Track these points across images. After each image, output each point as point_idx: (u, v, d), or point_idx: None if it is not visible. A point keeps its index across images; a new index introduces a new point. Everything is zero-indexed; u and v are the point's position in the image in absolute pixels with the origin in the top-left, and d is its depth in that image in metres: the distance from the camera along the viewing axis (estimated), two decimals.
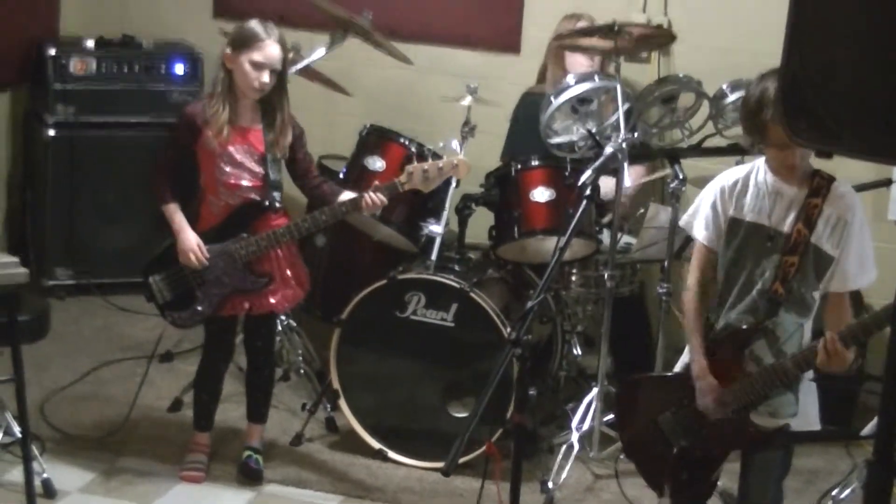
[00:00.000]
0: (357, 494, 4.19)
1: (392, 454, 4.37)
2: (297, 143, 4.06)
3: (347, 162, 4.74)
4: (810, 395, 3.31)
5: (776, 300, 3.20)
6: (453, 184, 4.42)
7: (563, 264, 4.71)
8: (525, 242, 4.61)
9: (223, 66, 3.94)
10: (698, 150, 4.46)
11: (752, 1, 5.19)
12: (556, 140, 4.52)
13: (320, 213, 3.98)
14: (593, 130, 4.38)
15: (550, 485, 4.20)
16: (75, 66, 5.62)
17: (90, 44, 5.72)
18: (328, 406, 4.59)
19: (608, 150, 3.87)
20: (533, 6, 5.61)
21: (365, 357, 4.42)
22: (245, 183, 3.98)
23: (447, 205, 4.48)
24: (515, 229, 4.48)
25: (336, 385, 4.41)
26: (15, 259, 3.74)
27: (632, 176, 4.79)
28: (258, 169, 3.98)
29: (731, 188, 3.29)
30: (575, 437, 4.34)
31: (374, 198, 3.96)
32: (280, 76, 3.95)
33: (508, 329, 4.11)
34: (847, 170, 3.22)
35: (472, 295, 4.21)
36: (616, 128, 4.29)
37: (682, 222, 3.52)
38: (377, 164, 4.56)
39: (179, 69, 5.77)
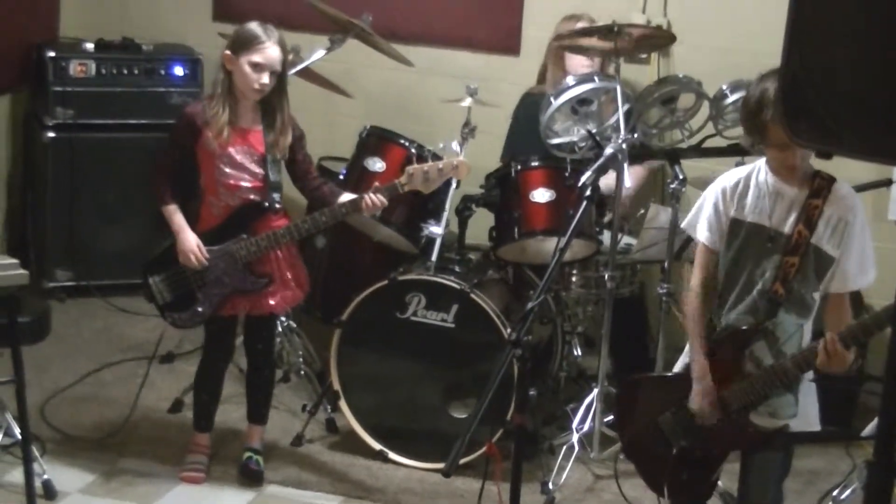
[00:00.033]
0: (357, 495, 4.19)
1: (392, 455, 4.37)
2: (298, 145, 4.06)
3: (347, 163, 4.74)
4: (810, 395, 3.31)
5: (776, 301, 3.20)
6: (453, 185, 4.42)
7: (564, 265, 4.71)
8: (525, 243, 4.61)
9: (223, 68, 3.94)
10: (698, 151, 4.46)
11: (752, 1, 5.19)
12: (556, 141, 4.52)
13: (320, 214, 3.99)
14: (593, 131, 4.38)
15: (551, 486, 4.20)
16: (75, 68, 5.62)
17: (90, 46, 5.72)
18: (328, 407, 4.59)
19: (608, 150, 3.86)
20: (533, 7, 5.61)
21: (365, 358, 4.42)
22: (245, 184, 3.99)
23: (447, 206, 4.48)
24: (516, 230, 4.48)
25: (336, 386, 4.41)
26: (15, 261, 3.74)
27: (631, 176, 4.78)
28: (258, 170, 3.98)
29: (732, 189, 3.29)
30: (575, 437, 4.34)
31: (374, 199, 3.96)
32: (280, 77, 3.96)
33: (509, 330, 4.11)
34: (847, 170, 3.21)
35: (473, 296, 4.21)
36: (616, 128, 4.29)
37: (683, 224, 3.52)
38: (377, 165, 4.56)
39: (179, 71, 5.77)
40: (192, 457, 4.23)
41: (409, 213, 4.53)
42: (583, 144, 4.46)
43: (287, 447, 4.44)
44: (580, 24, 4.94)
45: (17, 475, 3.97)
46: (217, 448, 4.34)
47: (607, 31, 4.36)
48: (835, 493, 4.10)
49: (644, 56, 5.37)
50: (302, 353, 4.91)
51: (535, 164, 4.55)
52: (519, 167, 4.52)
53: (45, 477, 3.97)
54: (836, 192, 3.18)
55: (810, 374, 3.24)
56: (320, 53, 4.86)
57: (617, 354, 4.66)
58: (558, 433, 4.56)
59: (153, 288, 4.10)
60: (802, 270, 3.18)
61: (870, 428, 3.86)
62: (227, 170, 3.97)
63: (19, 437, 3.90)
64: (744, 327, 3.25)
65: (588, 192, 3.45)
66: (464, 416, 4.28)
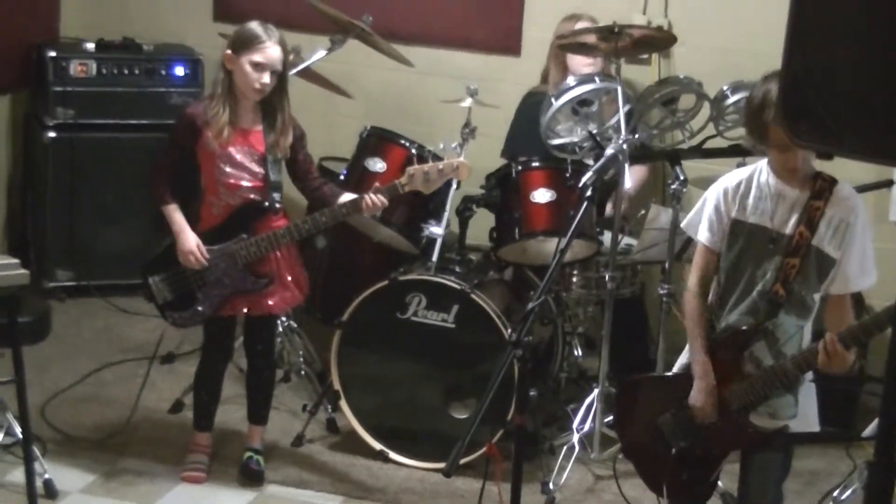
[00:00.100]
0: (358, 495, 4.19)
1: (393, 455, 4.37)
2: (298, 145, 4.06)
3: (348, 163, 4.74)
4: (810, 396, 3.31)
5: (777, 302, 3.20)
6: (454, 185, 4.43)
7: (564, 266, 4.71)
8: (526, 244, 4.61)
9: (223, 68, 3.94)
10: (699, 152, 4.46)
11: (753, 2, 5.20)
12: (557, 141, 4.52)
13: (320, 214, 3.99)
14: (594, 132, 4.38)
15: (551, 486, 4.20)
16: (75, 68, 5.62)
17: (90, 46, 5.72)
18: (329, 407, 4.59)
19: (609, 151, 3.86)
20: (533, 8, 5.61)
21: (366, 358, 4.42)
22: (245, 183, 3.99)
23: (448, 206, 4.48)
24: (516, 231, 4.48)
25: (337, 386, 4.41)
26: (15, 261, 3.74)
27: (633, 176, 4.79)
28: (258, 169, 3.99)
29: (733, 190, 3.29)
30: (576, 438, 4.34)
31: (375, 199, 3.96)
32: (281, 77, 3.96)
33: (509, 330, 4.11)
34: (848, 171, 3.21)
35: (473, 296, 4.21)
36: (617, 129, 4.29)
37: (683, 224, 3.52)
38: (378, 165, 4.57)
39: (179, 72, 5.77)
40: (193, 456, 4.23)
41: (409, 213, 4.53)
42: (584, 145, 4.46)
43: (288, 447, 4.44)
44: (580, 24, 4.94)
45: (18, 475, 3.97)
46: (217, 448, 4.34)
47: (608, 32, 4.36)
48: (835, 493, 4.10)
49: (645, 57, 5.37)
50: (302, 354, 4.91)
51: (535, 164, 4.55)
52: (519, 168, 4.52)
53: (46, 476, 3.98)
54: (838, 193, 3.18)
55: (810, 375, 3.24)
56: (321, 54, 4.86)
57: (617, 355, 4.65)
58: (559, 433, 4.56)
59: (153, 288, 4.10)
60: (803, 272, 3.18)
61: (870, 428, 3.87)
62: (228, 169, 3.97)
63: (20, 436, 3.90)
64: (744, 328, 3.25)
65: (589, 193, 3.45)
66: (464, 416, 4.28)
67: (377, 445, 4.39)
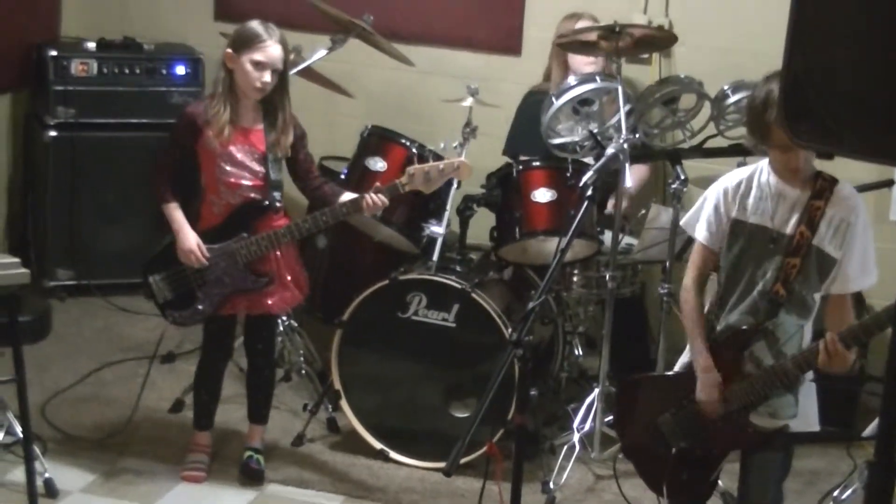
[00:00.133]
0: (358, 495, 4.19)
1: (393, 454, 4.37)
2: (299, 144, 4.06)
3: (349, 163, 4.75)
4: (810, 396, 3.31)
5: (777, 301, 3.20)
6: (455, 185, 4.43)
7: (565, 265, 4.71)
8: (526, 243, 4.61)
9: (224, 67, 3.94)
10: (700, 151, 4.46)
11: (754, 2, 5.20)
12: (557, 141, 4.52)
13: (321, 213, 3.99)
14: (595, 131, 4.38)
15: (552, 485, 4.20)
16: (76, 67, 5.62)
17: (91, 46, 5.73)
18: (329, 406, 4.59)
19: (609, 150, 3.86)
20: (534, 7, 5.61)
21: (366, 358, 4.42)
22: (246, 182, 3.99)
23: (448, 206, 4.48)
24: (517, 230, 4.48)
25: (337, 385, 4.41)
26: (16, 260, 3.74)
27: (634, 175, 4.79)
28: (259, 168, 3.99)
29: (734, 190, 3.30)
30: (576, 437, 4.34)
31: (375, 199, 3.96)
32: (281, 76, 3.96)
33: (510, 330, 4.11)
34: (848, 171, 3.22)
35: (474, 296, 4.21)
36: (617, 129, 4.29)
37: (682, 222, 3.53)
38: (378, 164, 4.57)
39: (180, 71, 5.77)
40: (193, 456, 4.23)
41: (410, 212, 4.53)
42: (584, 144, 4.46)
43: (288, 447, 4.44)
44: (581, 23, 4.95)
45: (18, 474, 3.97)
46: (218, 448, 4.35)
47: (609, 32, 4.36)
48: (835, 493, 4.10)
49: (645, 56, 5.37)
50: (303, 353, 4.91)
51: (536, 164, 4.55)
52: (520, 167, 4.53)
53: (47, 476, 3.98)
54: (839, 193, 3.18)
55: (810, 375, 3.24)
56: (322, 53, 4.86)
57: (618, 355, 4.65)
58: (559, 433, 4.56)
59: (153, 287, 4.11)
60: (804, 271, 3.18)
61: (870, 428, 3.87)
62: (228, 168, 3.97)
63: (21, 435, 3.90)
64: (744, 327, 3.25)
65: (589, 192, 3.45)
66: (465, 415, 4.28)
67: (378, 445, 4.39)
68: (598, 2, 5.20)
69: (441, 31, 5.72)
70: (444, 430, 4.27)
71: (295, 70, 4.61)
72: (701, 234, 3.37)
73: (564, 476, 4.25)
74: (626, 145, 3.98)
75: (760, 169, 3.28)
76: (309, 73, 4.95)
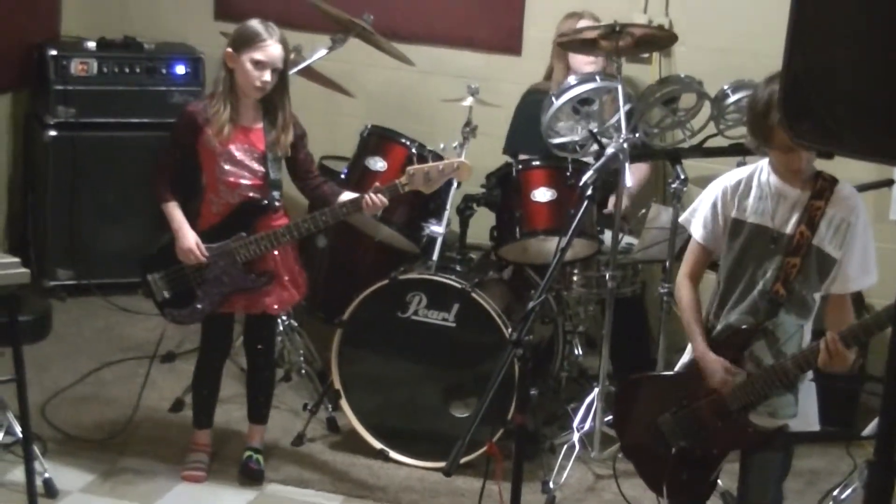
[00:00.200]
0: (358, 494, 4.19)
1: (393, 454, 4.37)
2: (299, 144, 4.07)
3: (349, 162, 4.75)
4: (810, 395, 3.31)
5: (777, 301, 3.20)
6: (454, 184, 4.43)
7: (565, 265, 4.71)
8: (527, 243, 4.61)
9: (224, 66, 3.95)
10: (700, 151, 4.46)
11: (754, 2, 5.19)
12: (557, 140, 4.52)
13: (321, 213, 3.99)
14: (595, 131, 4.38)
15: (551, 485, 4.20)
16: (76, 67, 5.62)
17: (91, 45, 5.73)
18: (329, 406, 4.59)
19: (609, 150, 3.87)
20: (534, 7, 5.61)
21: (366, 357, 4.42)
22: (245, 181, 3.99)
23: (448, 205, 4.48)
24: (517, 230, 4.48)
25: (337, 385, 4.41)
26: (16, 260, 3.73)
27: (634, 175, 4.80)
28: (258, 167, 3.99)
29: (733, 189, 3.30)
30: (576, 437, 4.35)
31: (375, 198, 3.95)
32: (281, 75, 3.96)
33: (510, 329, 4.11)
34: (848, 170, 3.22)
35: (474, 295, 4.21)
36: (617, 128, 4.29)
37: (681, 218, 3.54)
38: (378, 164, 4.57)
39: (180, 70, 5.78)
40: (193, 455, 4.23)
41: (410, 212, 4.54)
42: (584, 144, 4.46)
43: (288, 446, 4.44)
44: (582, 22, 4.95)
45: (18, 474, 3.97)
46: (218, 448, 4.35)
47: (609, 31, 4.36)
48: (835, 492, 4.10)
49: (646, 56, 5.37)
50: (303, 353, 4.91)
51: (536, 163, 4.55)
52: (520, 167, 4.53)
53: (46, 475, 3.98)
54: (839, 192, 3.18)
55: (810, 374, 3.24)
56: (322, 53, 4.86)
57: (618, 354, 4.66)
58: (559, 433, 4.56)
59: (152, 285, 4.11)
60: (804, 271, 3.18)
61: (870, 428, 3.87)
62: (228, 167, 3.97)
63: (20, 435, 3.90)
64: (744, 327, 3.25)
65: (589, 192, 3.45)
66: (465, 415, 4.28)
67: (377, 444, 4.39)
68: (598, 1, 5.20)
69: (441, 31, 5.72)
70: (443, 429, 4.27)
71: (295, 69, 4.62)
72: (697, 231, 3.38)
73: (564, 475, 4.25)
74: (626, 145, 3.98)
75: (760, 168, 3.27)
76: (309, 73, 4.95)
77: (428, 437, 4.35)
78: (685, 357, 3.46)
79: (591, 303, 4.95)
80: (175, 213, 4.01)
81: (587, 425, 4.38)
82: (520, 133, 5.10)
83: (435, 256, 4.40)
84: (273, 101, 3.98)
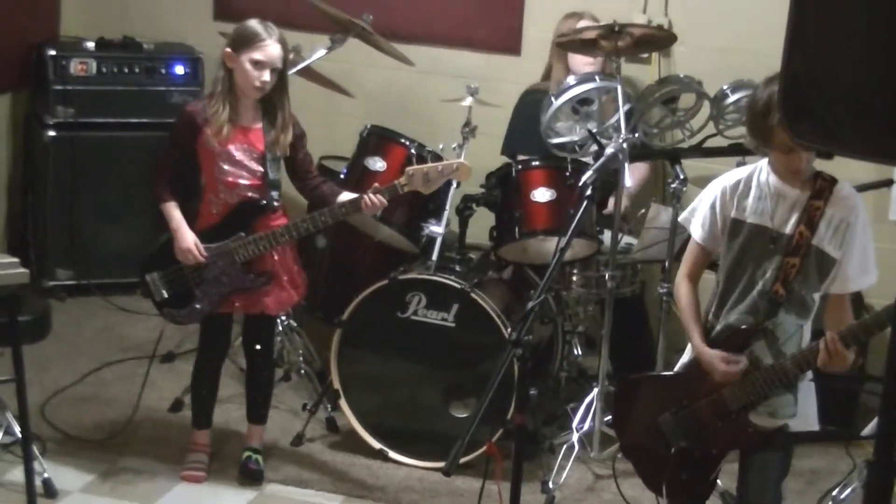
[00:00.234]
0: (358, 494, 4.19)
1: (393, 454, 4.37)
2: (298, 144, 4.07)
3: (348, 163, 4.74)
4: (809, 395, 3.31)
5: (776, 301, 3.20)
6: (454, 184, 4.43)
7: (564, 265, 4.71)
8: (526, 243, 4.61)
9: (224, 66, 3.95)
10: (699, 151, 4.46)
11: (753, 1, 5.19)
12: (557, 140, 4.52)
13: (320, 213, 3.98)
14: (594, 131, 4.38)
15: (551, 485, 4.20)
16: (76, 67, 5.62)
17: (90, 45, 5.72)
18: (329, 406, 4.59)
19: (609, 150, 3.86)
20: (533, 7, 5.61)
21: (366, 357, 4.42)
22: (243, 181, 3.99)
23: (448, 205, 4.48)
24: (516, 230, 4.48)
25: (337, 385, 4.41)
26: (16, 260, 3.74)
27: (634, 174, 4.80)
28: (257, 167, 3.99)
29: (732, 189, 3.29)
30: (576, 437, 4.35)
31: (374, 199, 3.95)
32: (281, 75, 3.96)
33: (509, 329, 4.11)
34: (848, 170, 3.22)
35: (473, 295, 4.21)
36: (617, 128, 4.29)
37: (680, 218, 3.54)
38: (378, 164, 4.57)
39: (180, 70, 5.77)
40: (193, 456, 4.23)
41: (409, 212, 4.53)
42: (584, 144, 4.46)
43: (287, 446, 4.44)
44: (582, 22, 4.95)
45: (17, 474, 3.97)
46: (217, 448, 4.34)
47: (609, 31, 4.36)
48: (835, 492, 4.10)
49: (645, 56, 5.37)
50: (302, 353, 4.91)
51: (535, 163, 4.55)
52: (520, 167, 4.52)
53: (46, 476, 3.98)
54: (838, 192, 3.18)
55: (810, 374, 3.24)
56: (321, 53, 4.86)
57: (617, 354, 4.66)
58: (559, 432, 4.56)
59: (151, 285, 4.10)
60: (803, 271, 3.18)
61: (870, 427, 3.87)
62: (226, 167, 3.97)
63: (20, 435, 3.90)
64: (743, 327, 3.25)
65: (589, 192, 3.45)
66: (464, 415, 4.28)
67: (377, 444, 4.39)
68: (597, 1, 5.20)
69: (441, 31, 5.72)
70: (443, 429, 4.27)
71: (294, 69, 4.62)
72: (696, 231, 3.38)
73: (564, 475, 4.25)
74: (625, 145, 3.98)
75: (760, 168, 3.27)
76: (308, 73, 4.95)
77: (427, 437, 4.35)
78: (685, 357, 3.45)
79: (590, 303, 4.95)
80: (174, 213, 4.01)
81: (587, 425, 4.38)
82: (518, 133, 5.10)
83: (434, 256, 4.40)
84: (272, 102, 3.98)
